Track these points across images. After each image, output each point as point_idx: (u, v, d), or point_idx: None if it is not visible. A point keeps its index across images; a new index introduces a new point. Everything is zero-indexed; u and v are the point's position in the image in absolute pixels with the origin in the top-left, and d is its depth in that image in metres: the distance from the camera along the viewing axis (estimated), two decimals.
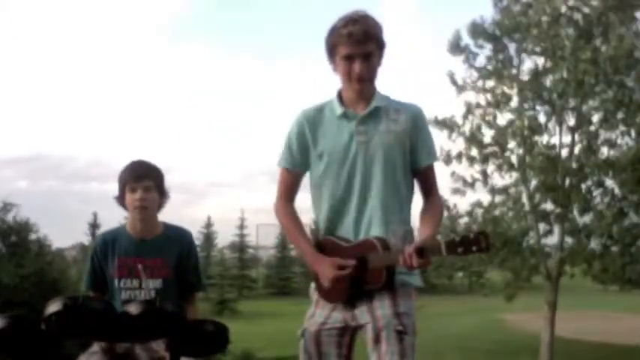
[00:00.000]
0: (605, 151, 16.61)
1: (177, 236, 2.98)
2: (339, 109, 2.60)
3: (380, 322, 2.42)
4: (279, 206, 2.70)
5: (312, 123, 2.62)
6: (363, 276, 2.46)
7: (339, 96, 2.63)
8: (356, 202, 2.55)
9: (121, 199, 2.92)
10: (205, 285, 3.18)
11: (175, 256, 2.92)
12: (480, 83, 17.34)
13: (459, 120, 17.11)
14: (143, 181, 2.86)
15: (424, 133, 2.63)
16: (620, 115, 16.06)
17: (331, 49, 2.57)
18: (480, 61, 17.48)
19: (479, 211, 17.47)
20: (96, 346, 2.72)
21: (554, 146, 16.95)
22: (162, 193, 2.95)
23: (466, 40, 17.43)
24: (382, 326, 2.41)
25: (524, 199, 17.00)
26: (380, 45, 2.56)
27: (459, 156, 16.99)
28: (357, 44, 2.49)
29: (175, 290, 2.91)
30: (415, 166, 2.62)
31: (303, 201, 2.76)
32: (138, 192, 2.85)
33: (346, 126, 2.58)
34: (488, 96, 17.07)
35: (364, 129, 2.56)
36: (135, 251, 2.90)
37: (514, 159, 16.96)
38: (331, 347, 2.55)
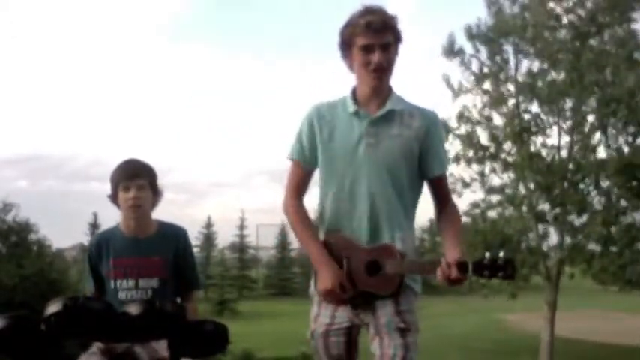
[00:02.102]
0: (601, 150, 16.72)
1: (172, 234, 2.95)
2: (351, 107, 2.53)
3: (381, 319, 2.42)
4: (288, 202, 2.62)
5: (322, 119, 2.56)
6: (371, 282, 2.43)
7: (353, 93, 2.57)
8: (360, 205, 2.49)
9: (114, 198, 2.88)
10: (203, 283, 3.15)
11: (171, 255, 2.88)
12: (476, 86, 17.38)
13: (454, 123, 17.19)
14: (136, 179, 2.83)
15: (437, 142, 2.56)
16: (611, 116, 16.14)
17: (347, 41, 2.50)
18: (476, 63, 17.54)
19: (476, 212, 17.52)
20: (95, 347, 2.71)
21: (551, 147, 17.03)
22: (155, 192, 2.91)
23: (460, 43, 17.51)
24: (384, 323, 2.41)
25: (520, 198, 17.06)
26: (397, 38, 2.50)
27: (457, 158, 17.06)
28: (376, 34, 2.42)
29: (172, 289, 2.90)
30: (426, 175, 2.56)
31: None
32: (131, 191, 2.82)
33: (357, 125, 2.51)
34: (485, 97, 17.14)
35: (375, 131, 2.49)
36: (129, 251, 2.87)
37: (510, 159, 17.04)
38: (340, 346, 2.54)
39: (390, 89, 2.56)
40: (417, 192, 2.59)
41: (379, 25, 2.42)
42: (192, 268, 3.00)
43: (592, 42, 16.01)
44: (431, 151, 2.54)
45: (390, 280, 2.42)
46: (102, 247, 2.92)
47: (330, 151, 2.54)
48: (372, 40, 2.43)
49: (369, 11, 2.46)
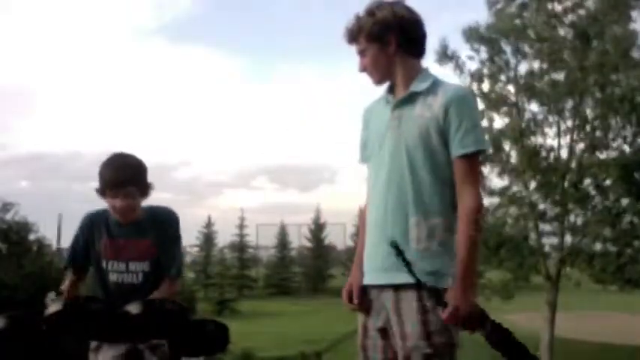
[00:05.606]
0: (601, 151, 16.71)
1: (163, 215, 2.98)
2: (386, 97, 2.57)
3: (409, 342, 2.35)
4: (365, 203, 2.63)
5: (369, 115, 2.64)
6: None
7: (391, 85, 2.59)
8: (383, 189, 2.44)
9: (102, 194, 2.89)
10: (180, 270, 3.01)
11: (158, 234, 2.90)
12: (474, 86, 17.32)
13: None
14: (124, 189, 2.83)
15: (457, 121, 2.36)
16: (612, 116, 16.16)
17: None
18: (473, 65, 17.47)
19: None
20: (122, 348, 2.70)
21: (551, 147, 17.05)
22: (144, 191, 2.92)
23: (454, 46, 17.45)
24: (411, 348, 2.35)
25: (522, 198, 17.07)
26: (372, 38, 2.46)
27: None
28: (350, 43, 2.54)
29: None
30: (452, 158, 2.39)
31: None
32: (118, 199, 2.83)
33: (386, 112, 2.52)
34: (484, 99, 17.12)
35: (398, 114, 2.47)
36: (122, 233, 2.90)
37: (510, 161, 17.05)
38: (377, 353, 2.47)
39: (417, 72, 2.49)
40: (446, 175, 2.40)
41: (347, 37, 2.53)
42: (171, 252, 2.95)
43: (594, 42, 15.99)
44: (451, 130, 2.37)
45: None
46: (95, 226, 2.93)
47: (371, 145, 2.56)
48: (354, 47, 2.55)
49: (348, 21, 2.52)
